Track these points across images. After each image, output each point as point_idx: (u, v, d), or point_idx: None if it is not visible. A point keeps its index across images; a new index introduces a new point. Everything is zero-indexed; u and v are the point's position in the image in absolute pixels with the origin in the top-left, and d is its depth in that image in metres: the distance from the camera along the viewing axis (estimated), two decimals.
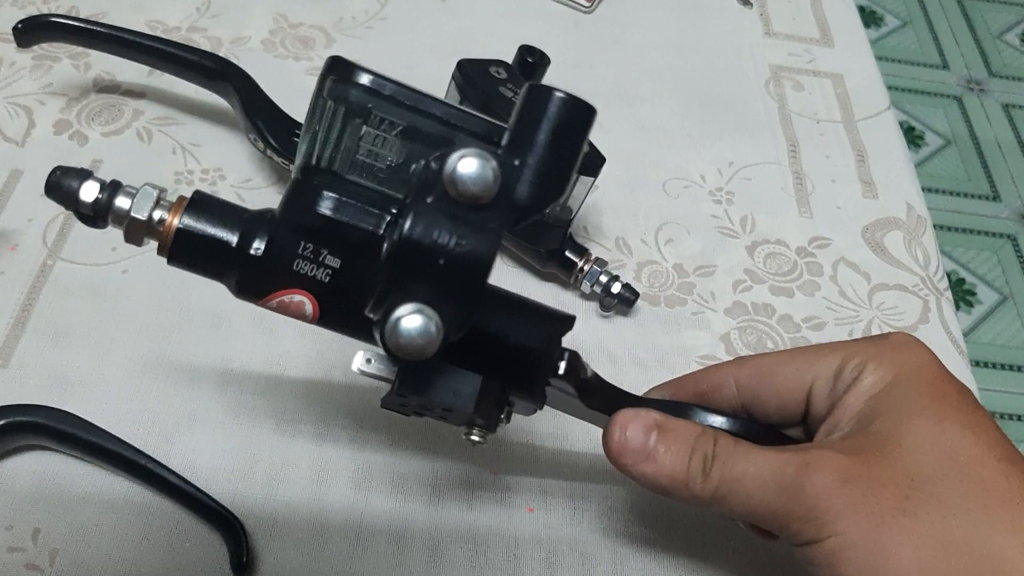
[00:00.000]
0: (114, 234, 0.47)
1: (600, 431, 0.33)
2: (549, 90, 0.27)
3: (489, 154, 0.26)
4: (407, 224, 0.26)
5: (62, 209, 0.47)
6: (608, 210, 0.53)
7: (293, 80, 0.57)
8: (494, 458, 0.42)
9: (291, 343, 0.45)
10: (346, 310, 0.29)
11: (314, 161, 0.29)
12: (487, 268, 0.27)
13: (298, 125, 0.50)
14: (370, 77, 0.27)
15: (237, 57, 0.57)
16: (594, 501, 0.41)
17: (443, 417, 0.33)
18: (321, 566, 0.38)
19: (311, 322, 0.30)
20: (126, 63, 0.53)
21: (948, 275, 1.48)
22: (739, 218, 0.54)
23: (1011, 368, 1.38)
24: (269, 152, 0.48)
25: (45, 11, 0.57)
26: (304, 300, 0.29)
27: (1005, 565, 0.27)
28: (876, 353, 0.32)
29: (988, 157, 1.67)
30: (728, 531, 0.41)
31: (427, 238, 0.26)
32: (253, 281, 0.29)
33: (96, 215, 0.28)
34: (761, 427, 0.34)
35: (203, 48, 0.56)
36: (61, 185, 0.28)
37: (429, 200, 0.26)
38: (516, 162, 0.27)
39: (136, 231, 0.28)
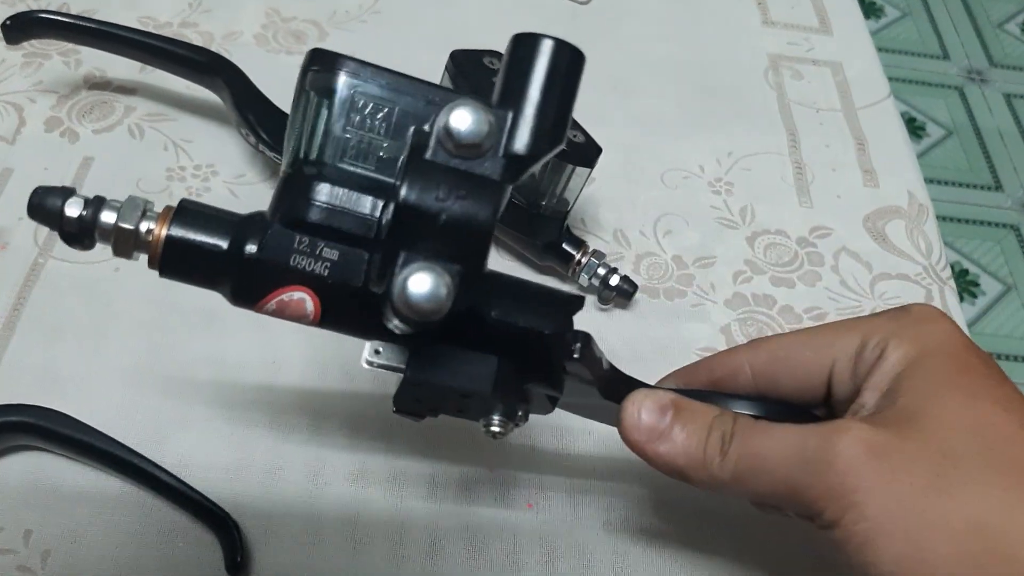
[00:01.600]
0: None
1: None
2: (536, 37, 0.27)
3: (482, 105, 0.26)
4: (404, 187, 0.25)
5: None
6: (606, 202, 0.52)
7: (286, 74, 0.56)
8: (492, 455, 0.42)
9: (286, 340, 0.44)
10: (348, 304, 0.29)
11: (302, 155, 0.28)
12: (490, 223, 0.26)
13: None
14: (352, 64, 0.27)
15: (230, 52, 0.56)
16: (593, 497, 0.41)
17: (461, 410, 0.32)
18: (317, 565, 0.38)
19: (312, 323, 0.29)
20: (117, 59, 0.52)
21: (951, 266, 1.47)
22: (739, 208, 0.53)
23: (1015, 359, 1.38)
24: (261, 147, 0.47)
25: (35, 7, 0.57)
26: (304, 297, 0.28)
27: None
28: (897, 328, 0.30)
29: (990, 147, 1.66)
30: (729, 525, 0.40)
31: (425, 199, 0.25)
32: (248, 284, 0.29)
33: (82, 232, 0.27)
34: (783, 407, 0.32)
35: (195, 43, 0.56)
36: (44, 205, 0.27)
37: (425, 158, 0.26)
38: (511, 113, 0.27)
39: (124, 245, 0.28)
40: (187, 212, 0.28)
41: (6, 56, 0.55)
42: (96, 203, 0.27)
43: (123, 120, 0.53)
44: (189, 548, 0.38)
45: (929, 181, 1.71)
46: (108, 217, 0.27)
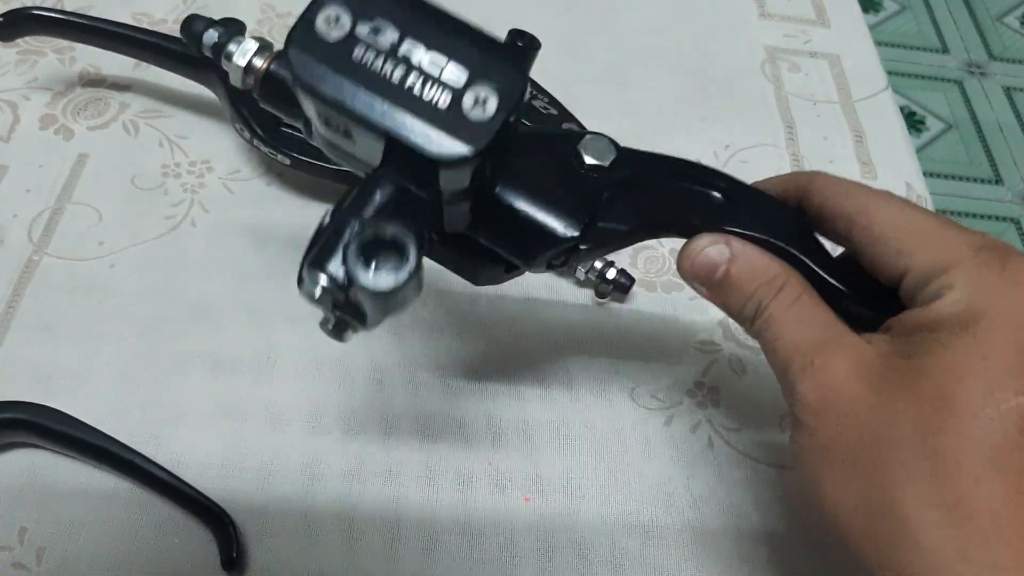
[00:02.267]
0: (101, 228, 0.47)
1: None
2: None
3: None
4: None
5: (48, 204, 0.47)
6: None
7: None
8: (489, 448, 0.41)
9: (281, 335, 0.44)
10: None
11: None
12: None
13: None
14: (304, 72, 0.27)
15: None
16: (590, 490, 0.41)
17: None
18: (313, 560, 0.38)
19: None
20: (112, 56, 0.52)
21: None
22: None
23: None
24: (256, 142, 0.47)
25: (29, 4, 0.56)
26: None
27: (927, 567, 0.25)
28: (973, 278, 0.27)
29: (990, 141, 1.66)
30: (728, 517, 0.40)
31: None
32: None
33: (216, 55, 0.33)
34: (855, 278, 0.31)
35: None
36: (191, 27, 0.34)
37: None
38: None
39: (237, 73, 0.33)
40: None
41: (1, 54, 0.55)
42: (228, 34, 0.33)
43: (118, 117, 0.53)
44: (184, 544, 0.37)
45: (929, 175, 1.69)
46: (232, 47, 0.33)
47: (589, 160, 0.33)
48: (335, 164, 0.46)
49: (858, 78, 0.61)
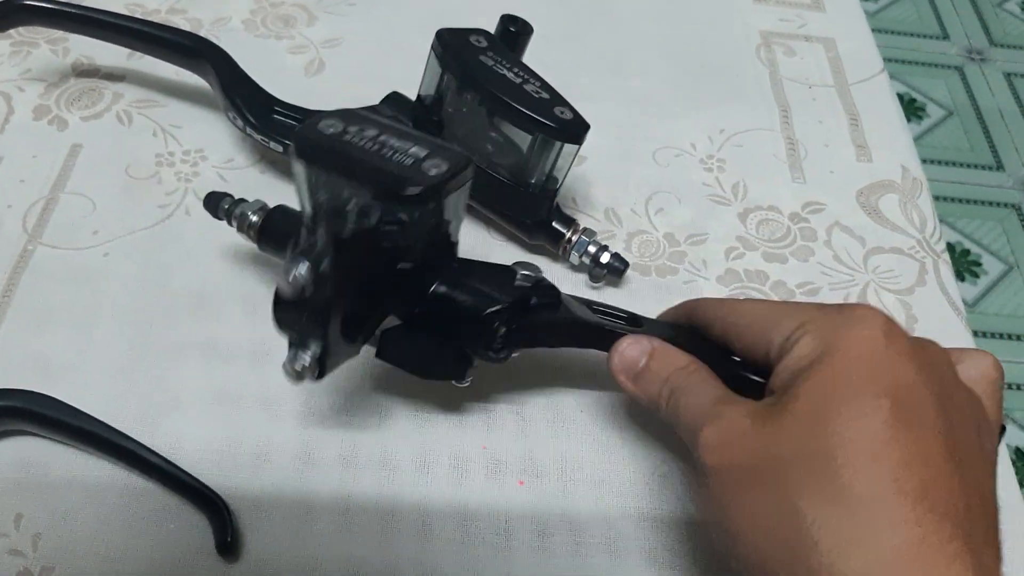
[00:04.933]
0: (95, 217, 0.47)
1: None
2: None
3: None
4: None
5: (42, 194, 0.48)
6: (597, 180, 0.52)
7: (275, 59, 0.56)
8: (483, 432, 0.42)
9: None
10: None
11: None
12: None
13: (278, 102, 0.49)
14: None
15: (218, 38, 0.56)
16: (585, 473, 0.41)
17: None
18: (308, 545, 0.38)
19: None
20: (105, 47, 0.52)
21: (952, 246, 1.46)
22: (731, 185, 0.53)
23: (1018, 338, 1.37)
24: (249, 130, 0.47)
25: None
26: None
27: (824, 560, 0.27)
28: (820, 325, 0.32)
29: (991, 127, 1.65)
30: None
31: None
32: None
33: (228, 218, 0.42)
34: (734, 364, 0.37)
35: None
36: (210, 203, 0.42)
37: None
38: None
39: (243, 230, 0.41)
40: (277, 212, 0.41)
41: None
42: (236, 202, 0.42)
43: (111, 107, 0.53)
44: (180, 530, 0.38)
45: (930, 161, 1.69)
46: (239, 212, 0.41)
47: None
48: None
49: (853, 62, 0.61)
